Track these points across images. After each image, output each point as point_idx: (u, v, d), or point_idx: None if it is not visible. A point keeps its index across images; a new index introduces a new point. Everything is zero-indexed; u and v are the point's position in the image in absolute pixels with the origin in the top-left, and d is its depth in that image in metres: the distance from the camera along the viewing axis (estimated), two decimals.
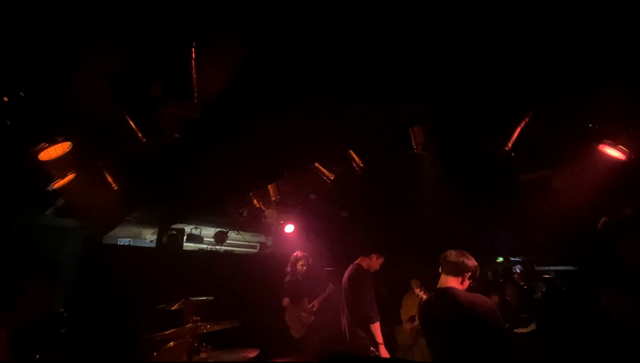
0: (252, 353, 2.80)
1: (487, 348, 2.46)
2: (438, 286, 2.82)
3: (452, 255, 2.81)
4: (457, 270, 2.76)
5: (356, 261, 4.38)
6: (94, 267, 4.55)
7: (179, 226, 5.98)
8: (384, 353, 3.91)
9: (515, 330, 5.18)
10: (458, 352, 2.55)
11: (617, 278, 2.43)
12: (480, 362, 2.44)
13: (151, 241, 6.76)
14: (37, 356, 2.44)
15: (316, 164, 4.25)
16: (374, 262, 4.31)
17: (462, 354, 2.53)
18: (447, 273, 2.80)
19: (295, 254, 5.53)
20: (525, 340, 5.13)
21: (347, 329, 4.14)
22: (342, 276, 4.48)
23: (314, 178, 4.43)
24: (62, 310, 4.14)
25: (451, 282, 2.76)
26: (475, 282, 2.82)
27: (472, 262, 2.81)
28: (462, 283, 2.76)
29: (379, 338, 3.87)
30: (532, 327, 5.24)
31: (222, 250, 6.68)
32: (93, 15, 2.09)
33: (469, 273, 2.76)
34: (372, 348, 3.86)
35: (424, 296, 3.62)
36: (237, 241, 7.15)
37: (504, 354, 2.45)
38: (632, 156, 2.91)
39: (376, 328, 3.87)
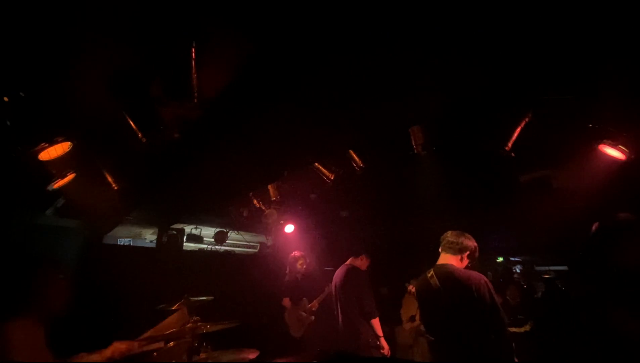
0: (252, 354, 2.80)
1: (480, 321, 2.51)
2: (436, 263, 2.88)
3: (452, 234, 2.89)
4: (456, 249, 2.83)
5: (347, 262, 4.45)
6: (94, 267, 4.55)
7: (179, 226, 5.98)
8: (385, 345, 4.05)
9: (509, 329, 5.18)
10: (451, 326, 2.61)
11: (612, 281, 2.43)
12: (472, 335, 2.48)
13: (151, 241, 6.76)
14: None
15: (316, 164, 4.26)
16: (364, 262, 4.42)
17: (455, 328, 2.58)
18: (446, 251, 2.88)
19: (293, 254, 5.54)
20: (517, 340, 5.13)
21: (344, 328, 4.20)
22: None
23: (314, 178, 4.43)
24: None
25: (449, 260, 2.83)
26: (475, 262, 2.88)
27: (471, 242, 2.87)
28: (461, 261, 2.83)
29: (380, 332, 4.03)
30: (527, 327, 5.25)
31: (222, 250, 6.68)
32: (93, 15, 2.09)
33: (468, 252, 2.84)
34: (376, 342, 4.00)
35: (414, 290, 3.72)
36: (237, 241, 7.15)
37: (496, 328, 2.51)
38: (632, 156, 2.91)
39: (376, 322, 4.04)
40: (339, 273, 4.43)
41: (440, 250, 2.93)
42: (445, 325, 2.68)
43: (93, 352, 2.23)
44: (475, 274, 2.67)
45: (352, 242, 4.95)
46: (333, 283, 4.45)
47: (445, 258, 2.86)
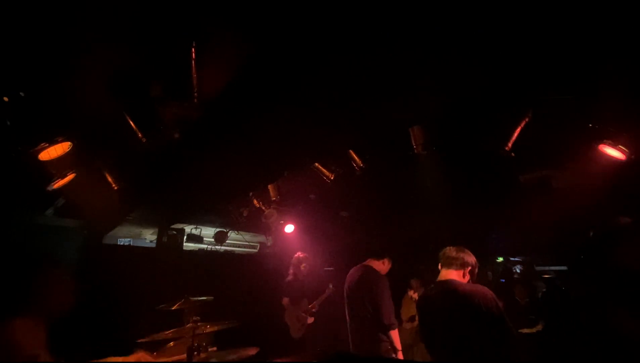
0: (252, 350, 2.80)
1: (487, 337, 2.44)
2: (438, 279, 2.81)
3: (452, 250, 2.82)
4: (458, 264, 2.77)
5: (365, 263, 3.92)
6: (94, 267, 4.55)
7: (179, 226, 5.98)
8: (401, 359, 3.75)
9: (520, 330, 5.17)
10: (456, 343, 2.53)
11: (612, 281, 2.43)
12: (479, 352, 2.42)
13: (151, 241, 6.76)
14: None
15: (316, 164, 4.25)
16: (385, 266, 3.99)
17: (461, 345, 2.51)
18: (447, 267, 2.80)
19: (297, 255, 5.50)
20: (529, 341, 5.13)
21: (354, 335, 3.80)
22: (342, 276, 4.15)
23: (314, 178, 4.42)
24: None
25: (451, 275, 2.76)
26: (474, 278, 2.82)
27: (471, 258, 2.81)
28: (463, 277, 2.76)
29: (398, 345, 3.63)
30: (539, 327, 5.24)
31: (222, 250, 6.68)
32: (93, 16, 2.09)
33: (469, 268, 2.78)
34: (392, 355, 3.60)
35: (416, 297, 3.57)
36: (237, 241, 7.14)
37: (505, 343, 2.44)
38: (632, 156, 2.91)
39: (396, 334, 3.64)
40: (353, 274, 3.91)
41: (440, 266, 2.83)
42: (451, 342, 2.57)
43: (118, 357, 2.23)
44: (480, 288, 2.59)
45: (373, 243, 4.47)
46: (346, 285, 3.96)
47: (447, 274, 2.76)
